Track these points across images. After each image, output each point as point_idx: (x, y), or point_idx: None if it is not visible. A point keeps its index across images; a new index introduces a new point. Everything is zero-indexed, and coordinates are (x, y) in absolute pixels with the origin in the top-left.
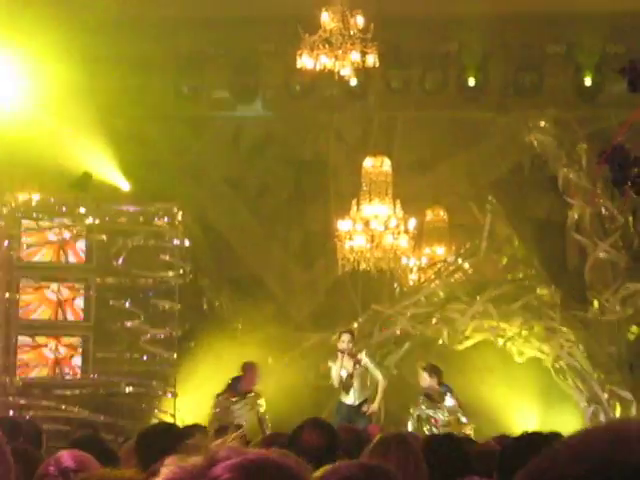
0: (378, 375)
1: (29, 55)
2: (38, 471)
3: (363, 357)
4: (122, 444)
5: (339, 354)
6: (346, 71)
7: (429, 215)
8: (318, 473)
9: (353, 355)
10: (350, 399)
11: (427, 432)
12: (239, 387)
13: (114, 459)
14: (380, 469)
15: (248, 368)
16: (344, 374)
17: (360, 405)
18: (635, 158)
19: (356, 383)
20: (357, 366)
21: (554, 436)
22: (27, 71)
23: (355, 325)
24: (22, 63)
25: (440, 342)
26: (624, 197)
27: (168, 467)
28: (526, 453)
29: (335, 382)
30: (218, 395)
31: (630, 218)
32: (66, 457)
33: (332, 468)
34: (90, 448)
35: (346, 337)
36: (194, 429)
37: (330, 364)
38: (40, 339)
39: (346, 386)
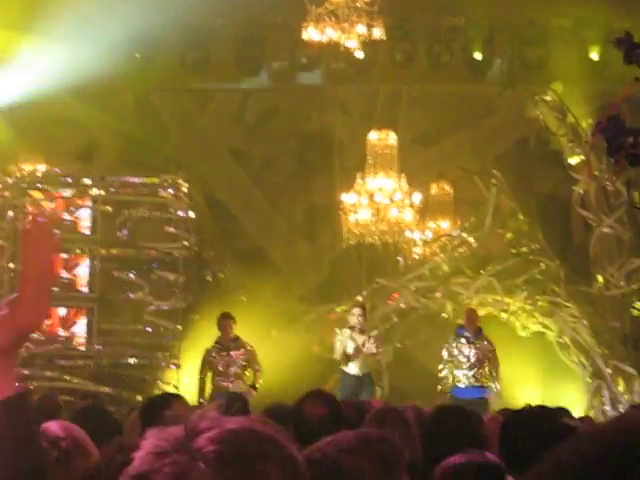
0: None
1: (33, 29)
2: None
3: (372, 343)
4: (127, 415)
5: (348, 329)
6: (352, 44)
7: (434, 189)
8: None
9: (363, 331)
10: (353, 369)
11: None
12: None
13: (118, 430)
14: (379, 438)
15: (218, 321)
16: (352, 347)
17: (365, 375)
18: (630, 128)
19: (361, 356)
20: (366, 344)
21: (556, 410)
22: (33, 45)
23: (359, 298)
24: (27, 37)
25: (444, 316)
26: (619, 167)
27: (149, 440)
28: (527, 426)
29: (337, 354)
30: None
31: (635, 193)
32: (53, 427)
33: (330, 438)
34: (92, 419)
35: (357, 311)
36: (173, 399)
37: (337, 331)
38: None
39: (350, 358)
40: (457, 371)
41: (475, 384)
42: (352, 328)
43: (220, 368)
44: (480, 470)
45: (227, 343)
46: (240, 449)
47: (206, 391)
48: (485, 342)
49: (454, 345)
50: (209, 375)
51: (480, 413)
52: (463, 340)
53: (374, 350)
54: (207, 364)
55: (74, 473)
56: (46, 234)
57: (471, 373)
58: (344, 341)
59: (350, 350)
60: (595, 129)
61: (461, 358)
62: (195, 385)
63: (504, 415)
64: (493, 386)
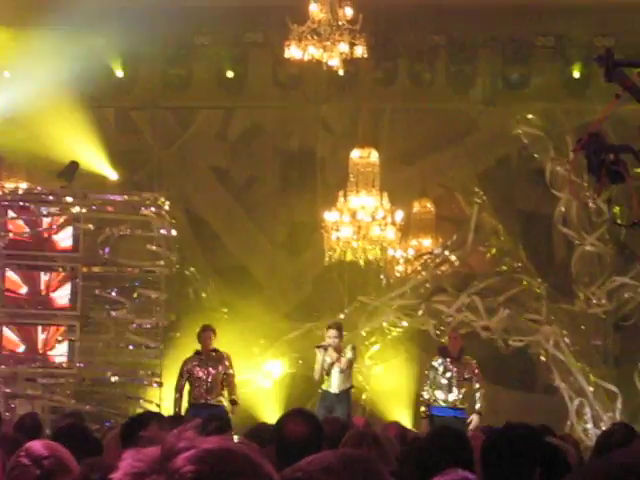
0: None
1: (15, 46)
2: (9, 463)
3: (348, 352)
4: (106, 433)
5: (322, 350)
6: (334, 62)
7: (416, 207)
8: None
9: (339, 350)
10: (333, 387)
11: None
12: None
13: (98, 448)
14: (360, 458)
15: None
16: (327, 362)
17: (342, 392)
18: (611, 145)
19: (340, 373)
20: (341, 358)
21: (539, 428)
22: (14, 63)
23: (342, 316)
24: (8, 54)
25: (426, 334)
26: (600, 184)
27: (126, 461)
28: (509, 444)
29: (316, 375)
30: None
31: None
32: (37, 446)
33: (312, 458)
34: (73, 437)
35: (332, 332)
36: (153, 418)
37: (316, 350)
38: (26, 328)
39: (329, 374)
40: (437, 392)
41: (453, 407)
42: (326, 348)
43: (199, 376)
44: None
45: (207, 354)
46: (217, 469)
47: (183, 403)
48: (467, 364)
49: (436, 366)
50: (186, 386)
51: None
52: (443, 361)
53: (351, 355)
54: (185, 373)
55: None
56: None
57: (450, 396)
58: (320, 362)
59: (326, 365)
60: (576, 146)
61: (442, 380)
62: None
63: (485, 433)
64: (472, 415)
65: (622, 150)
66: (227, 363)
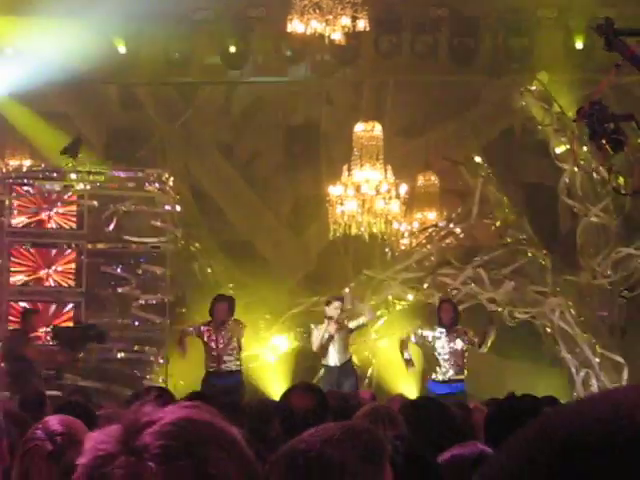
0: (366, 315)
1: (19, 23)
2: (26, 435)
3: (351, 323)
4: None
5: (326, 320)
6: (337, 36)
7: (420, 180)
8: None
9: (341, 323)
10: (332, 360)
11: None
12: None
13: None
14: (363, 429)
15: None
16: (326, 336)
17: (344, 364)
18: (612, 114)
19: (338, 345)
20: (340, 331)
21: (543, 399)
22: (17, 41)
23: (347, 290)
24: (10, 33)
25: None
26: (601, 152)
27: (90, 444)
28: (512, 415)
29: (314, 346)
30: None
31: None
32: (53, 421)
33: (314, 430)
34: (73, 414)
35: (337, 304)
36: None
37: (312, 327)
38: (31, 305)
39: (325, 347)
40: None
41: (452, 378)
42: (330, 318)
43: (210, 345)
44: (478, 462)
45: (217, 324)
46: (185, 440)
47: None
48: (462, 334)
49: (429, 338)
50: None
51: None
52: (438, 334)
53: (370, 317)
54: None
55: (66, 467)
56: None
57: (446, 369)
58: (321, 333)
59: (325, 337)
60: (577, 115)
61: (436, 355)
62: (183, 376)
63: (489, 406)
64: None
65: (624, 119)
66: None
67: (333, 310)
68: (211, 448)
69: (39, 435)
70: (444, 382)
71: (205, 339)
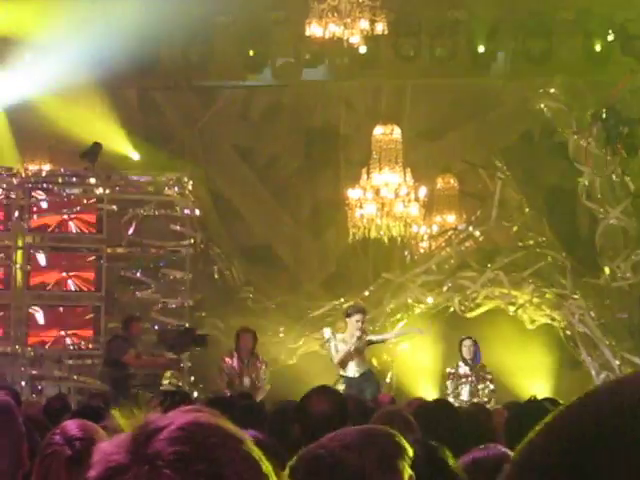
0: (388, 336)
1: (37, 27)
2: (44, 440)
3: (373, 337)
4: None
5: (349, 335)
6: (355, 39)
7: (439, 183)
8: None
9: (363, 334)
10: (351, 372)
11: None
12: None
13: None
14: (382, 433)
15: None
16: (352, 350)
17: (364, 374)
18: (626, 118)
19: (356, 358)
20: (358, 341)
21: (562, 403)
22: (36, 43)
23: (366, 293)
24: (31, 35)
25: (451, 310)
26: (616, 156)
27: (99, 455)
28: (533, 419)
29: (335, 359)
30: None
31: None
32: (71, 426)
33: (333, 434)
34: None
35: (359, 316)
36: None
37: (329, 335)
38: (51, 309)
39: (345, 362)
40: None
41: None
42: (359, 337)
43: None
44: (501, 463)
45: (244, 356)
46: (197, 444)
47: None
48: (481, 369)
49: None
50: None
51: None
52: (462, 378)
53: (393, 336)
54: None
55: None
56: None
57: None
58: (347, 349)
59: (342, 353)
60: (592, 119)
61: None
62: (202, 382)
63: (508, 409)
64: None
65: (638, 123)
66: (262, 372)
67: (355, 323)
68: (222, 450)
69: (57, 440)
70: None
71: (230, 375)
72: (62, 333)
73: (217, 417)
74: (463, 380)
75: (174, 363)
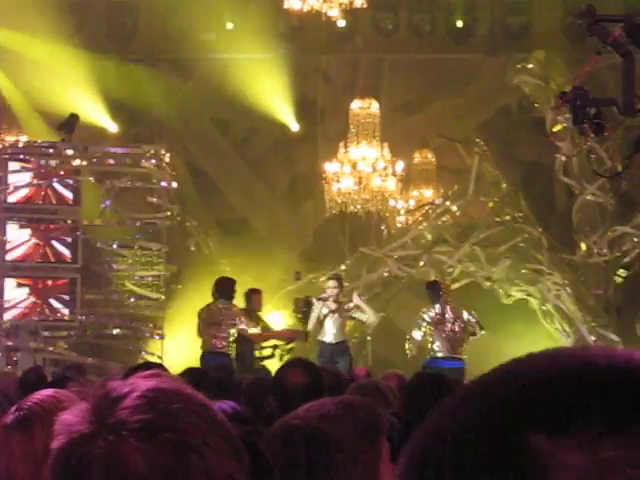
0: (370, 315)
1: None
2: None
3: (355, 298)
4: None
5: (320, 301)
6: (334, 13)
7: (417, 157)
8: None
9: (338, 302)
10: (327, 337)
11: None
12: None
13: None
14: (360, 404)
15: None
16: (324, 312)
17: (340, 343)
18: (593, 99)
19: (335, 323)
20: (340, 311)
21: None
22: (14, 14)
23: (343, 267)
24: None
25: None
26: (584, 136)
27: (61, 425)
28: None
29: (310, 326)
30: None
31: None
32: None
33: (309, 405)
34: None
35: (332, 283)
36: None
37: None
38: (27, 280)
39: (321, 323)
40: (436, 341)
41: (453, 355)
42: (326, 299)
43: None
44: None
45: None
46: (161, 412)
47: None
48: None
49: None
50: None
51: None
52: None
53: (359, 302)
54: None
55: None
56: None
57: (449, 343)
58: (317, 313)
59: (322, 316)
60: (560, 100)
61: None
62: (177, 353)
63: None
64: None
65: (605, 103)
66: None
67: (329, 289)
68: (186, 417)
69: (14, 409)
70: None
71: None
72: (38, 303)
73: (178, 381)
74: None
75: (300, 335)
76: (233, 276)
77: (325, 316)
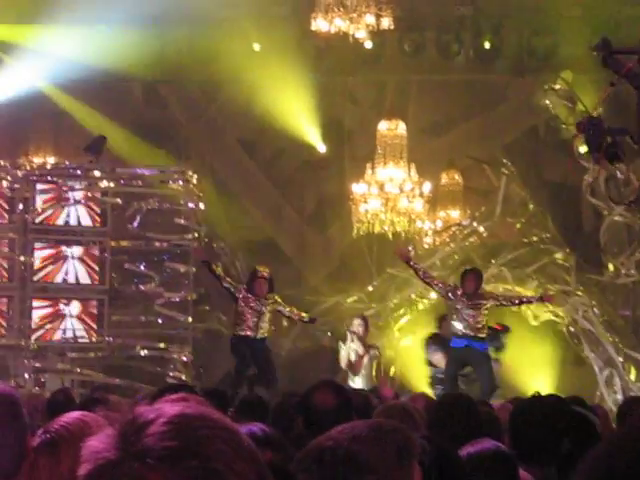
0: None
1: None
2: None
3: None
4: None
5: (349, 335)
6: (361, 34)
7: (444, 178)
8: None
9: (363, 341)
10: (357, 384)
11: None
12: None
13: None
14: (393, 428)
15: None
16: (353, 356)
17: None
18: (608, 128)
19: (365, 370)
20: (369, 351)
21: (569, 398)
22: (41, 37)
23: (370, 288)
24: (35, 28)
25: None
26: (598, 165)
27: (87, 452)
28: (537, 414)
29: (342, 363)
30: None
31: None
32: (66, 417)
33: (342, 427)
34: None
35: (357, 321)
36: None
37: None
38: (54, 302)
39: (354, 369)
40: (453, 322)
41: (471, 333)
42: (353, 333)
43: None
44: (493, 459)
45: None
46: (187, 438)
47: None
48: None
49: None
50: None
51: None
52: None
53: (359, 330)
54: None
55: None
56: None
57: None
58: (347, 349)
59: (353, 357)
60: (577, 129)
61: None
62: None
63: (513, 403)
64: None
65: (618, 133)
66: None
67: (354, 327)
68: (212, 443)
69: (41, 431)
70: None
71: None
72: (65, 324)
73: (204, 406)
74: None
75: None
76: None
77: (358, 358)
